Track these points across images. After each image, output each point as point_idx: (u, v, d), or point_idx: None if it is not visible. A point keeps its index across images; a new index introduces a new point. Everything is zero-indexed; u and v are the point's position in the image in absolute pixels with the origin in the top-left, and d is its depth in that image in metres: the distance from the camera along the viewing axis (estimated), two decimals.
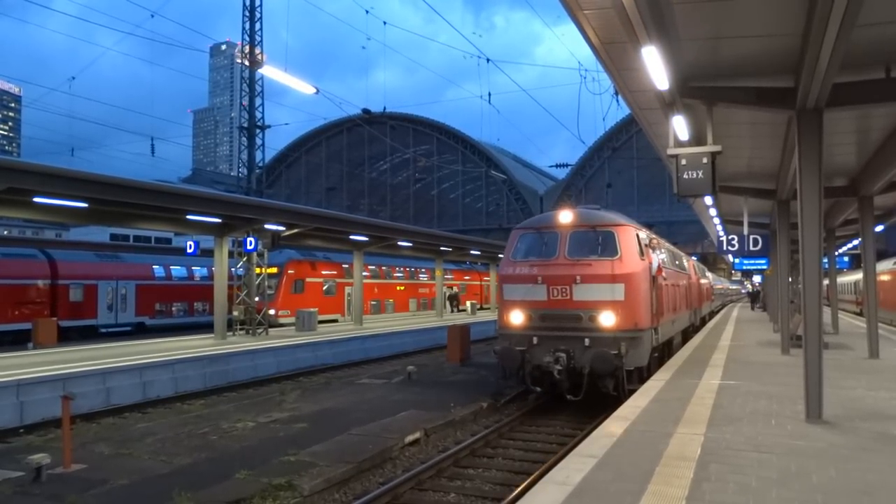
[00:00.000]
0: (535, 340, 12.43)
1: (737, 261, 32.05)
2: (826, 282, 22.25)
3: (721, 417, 8.23)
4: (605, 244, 12.44)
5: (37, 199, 15.67)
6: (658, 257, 13.93)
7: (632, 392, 10.40)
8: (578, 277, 12.18)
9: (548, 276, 12.47)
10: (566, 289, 12.26)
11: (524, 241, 13.40)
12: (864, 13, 5.89)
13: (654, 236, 15.06)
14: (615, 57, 8.23)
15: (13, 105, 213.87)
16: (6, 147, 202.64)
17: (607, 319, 11.95)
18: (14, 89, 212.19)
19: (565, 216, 12.98)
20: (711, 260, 62.77)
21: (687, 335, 20.66)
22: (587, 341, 11.92)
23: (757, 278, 52.38)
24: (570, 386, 12.09)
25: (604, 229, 12.66)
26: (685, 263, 22.36)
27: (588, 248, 12.56)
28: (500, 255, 17.21)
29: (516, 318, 12.76)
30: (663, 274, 14.40)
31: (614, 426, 7.76)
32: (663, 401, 9.42)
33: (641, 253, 12.56)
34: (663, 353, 14.75)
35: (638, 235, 12.84)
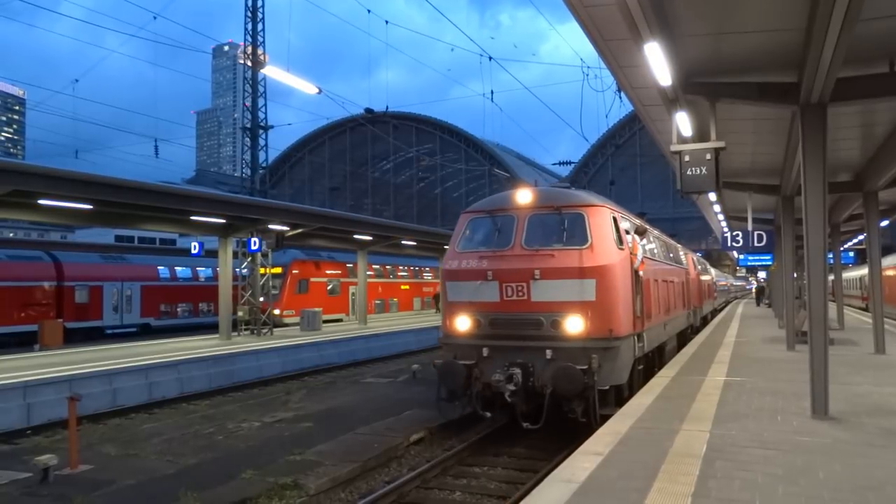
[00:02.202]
0: (485, 352, 10.00)
1: (741, 257, 32.16)
2: (831, 277, 22.19)
3: (726, 414, 8.21)
4: (571, 229, 9.98)
5: (42, 202, 15.74)
6: (644, 247, 11.81)
7: (606, 418, 8.13)
8: (537, 272, 9.70)
9: (500, 271, 9.99)
10: (523, 287, 9.81)
11: (474, 228, 10.96)
12: (867, 7, 5.87)
13: (639, 222, 12.88)
14: (617, 53, 8.22)
15: (17, 108, 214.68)
16: (11, 150, 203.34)
17: (574, 325, 9.54)
18: (18, 92, 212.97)
19: (523, 195, 10.43)
20: (716, 256, 62.65)
21: (685, 338, 18.58)
22: (549, 353, 9.51)
23: (762, 274, 52.21)
24: (529, 410, 9.66)
25: (570, 211, 10.12)
26: (682, 257, 20.08)
27: (551, 235, 10.13)
28: None
29: (462, 324, 10.34)
30: (651, 268, 12.50)
31: (619, 423, 7.75)
32: (668, 397, 9.41)
33: (620, 241, 10.15)
34: (653, 362, 12.72)
35: (615, 219, 10.40)
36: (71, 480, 8.46)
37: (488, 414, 10.03)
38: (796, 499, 5.05)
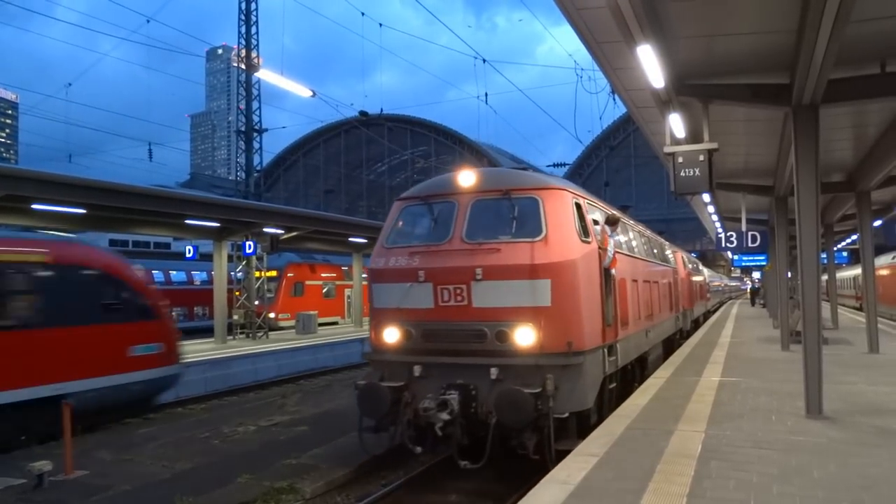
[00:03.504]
0: (416, 371, 8.18)
1: (736, 257, 32.22)
2: (825, 277, 22.28)
3: (722, 414, 8.23)
4: (523, 218, 8.21)
5: (35, 206, 15.69)
6: (618, 241, 10.00)
7: (563, 455, 6.61)
8: (479, 271, 7.87)
9: (434, 271, 8.16)
10: (461, 289, 7.97)
11: (408, 218, 9.20)
12: (858, 8, 5.91)
13: (613, 210, 11.11)
14: (610, 56, 8.25)
15: (10, 112, 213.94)
16: (4, 154, 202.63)
17: (525, 337, 7.73)
18: (11, 96, 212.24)
19: (465, 177, 8.68)
20: (710, 257, 62.80)
21: (672, 345, 16.95)
22: (494, 372, 7.71)
23: (756, 274, 52.39)
24: (471, 444, 7.82)
25: (521, 195, 8.31)
26: (669, 254, 18.34)
27: (497, 225, 8.39)
28: None
29: (390, 335, 8.48)
30: (630, 266, 10.88)
31: (615, 424, 7.77)
32: (664, 398, 9.43)
33: (585, 232, 8.42)
34: (632, 376, 11.10)
35: (578, 205, 8.59)
36: (66, 486, 8.42)
37: (418, 449, 7.96)
38: (791, 498, 5.06)
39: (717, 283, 49.91)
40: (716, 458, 6.24)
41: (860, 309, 28.50)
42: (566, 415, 7.59)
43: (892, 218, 19.41)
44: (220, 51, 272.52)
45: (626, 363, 10.19)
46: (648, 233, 15.55)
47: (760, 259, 26.89)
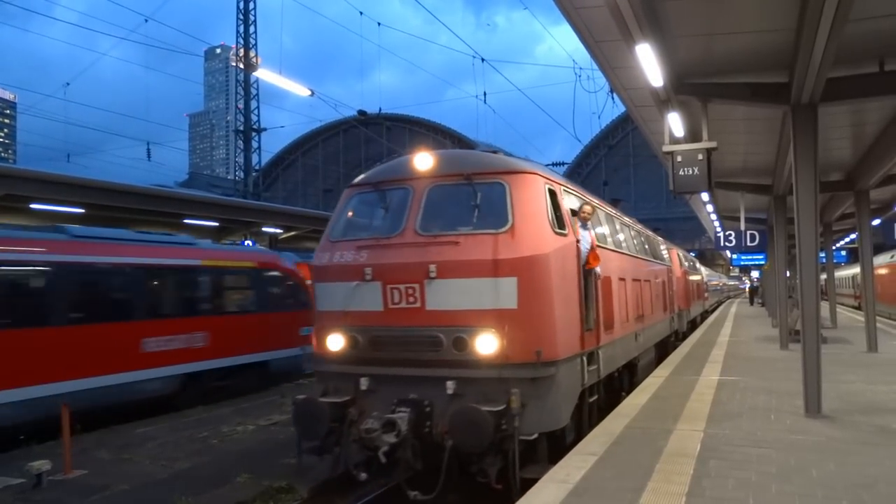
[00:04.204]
0: (363, 384, 7.12)
1: (735, 256, 32.25)
2: (824, 276, 22.32)
3: (720, 413, 8.23)
4: (486, 206, 7.14)
5: (34, 206, 15.67)
6: (599, 234, 9.09)
7: (530, 483, 5.81)
8: (433, 268, 6.82)
9: (382, 267, 7.12)
10: (414, 289, 6.94)
11: (358, 207, 8.19)
12: (856, 7, 5.92)
13: (595, 200, 9.97)
14: (609, 55, 8.26)
15: (8, 112, 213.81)
16: (2, 154, 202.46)
17: (486, 345, 6.63)
18: (9, 96, 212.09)
19: (422, 160, 7.60)
20: (709, 256, 62.86)
21: (665, 349, 15.88)
22: (450, 386, 6.65)
23: (755, 273, 52.46)
24: (426, 469, 6.69)
25: (486, 180, 7.24)
26: (663, 251, 17.29)
27: (457, 215, 7.33)
28: None
29: (334, 342, 7.42)
30: (617, 262, 9.84)
31: (614, 423, 7.77)
32: (662, 397, 9.43)
33: (559, 223, 7.33)
34: (619, 385, 10.20)
35: (552, 192, 7.50)
36: (65, 486, 8.41)
37: (363, 475, 6.94)
38: (790, 497, 5.07)
39: (715, 283, 49.72)
40: (715, 457, 6.24)
41: (859, 308, 28.53)
42: (535, 436, 6.55)
43: (891, 217, 19.44)
44: (218, 50, 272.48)
45: (612, 371, 9.26)
46: (639, 227, 14.45)
47: (759, 258, 26.92)
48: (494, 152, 8.15)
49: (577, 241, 7.62)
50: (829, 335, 16.38)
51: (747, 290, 60.77)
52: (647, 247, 14.18)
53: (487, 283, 6.73)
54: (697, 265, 31.69)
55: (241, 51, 34.95)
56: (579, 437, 7.39)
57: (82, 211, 16.90)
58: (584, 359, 7.63)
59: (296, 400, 7.33)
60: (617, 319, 9.37)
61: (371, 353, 7.22)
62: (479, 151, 8.42)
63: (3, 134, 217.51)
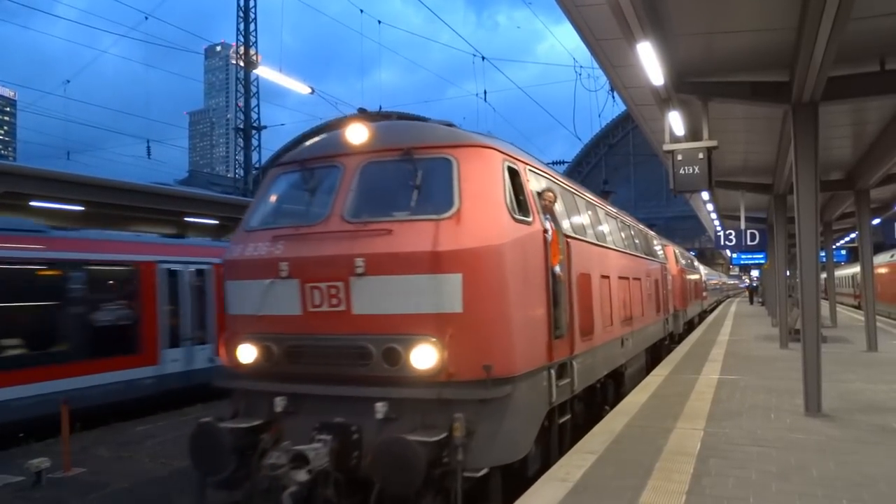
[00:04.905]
0: (278, 406, 5.87)
1: (734, 255, 32.26)
2: (823, 275, 22.32)
3: (720, 412, 8.23)
4: (429, 187, 5.93)
5: (33, 203, 15.66)
6: (572, 223, 7.85)
7: None
8: (360, 262, 5.59)
9: (301, 262, 5.89)
10: (337, 289, 5.72)
11: (282, 190, 6.91)
12: (858, 6, 5.91)
13: (574, 186, 8.92)
14: (610, 53, 8.25)
15: (8, 109, 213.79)
16: (2, 151, 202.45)
17: (424, 358, 5.41)
18: (9, 93, 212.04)
19: (355, 132, 6.23)
20: (709, 255, 62.91)
21: (660, 352, 15.02)
22: (381, 409, 5.44)
23: (755, 272, 52.50)
24: None
25: (429, 155, 6.00)
26: (657, 248, 16.19)
27: (393, 197, 6.12)
28: None
29: (245, 353, 6.17)
30: (597, 258, 8.65)
31: (614, 422, 7.77)
32: (662, 396, 9.43)
33: (521, 208, 6.16)
34: (603, 397, 9.07)
35: (513, 171, 6.28)
36: (64, 484, 8.41)
37: None
38: (790, 496, 5.06)
39: (714, 282, 49.43)
40: (715, 455, 6.23)
41: (858, 307, 28.55)
42: (485, 471, 5.32)
43: (891, 216, 19.45)
44: (218, 48, 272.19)
45: (593, 382, 8.18)
46: (631, 221, 13.30)
47: (759, 257, 26.94)
48: (449, 125, 6.72)
49: (545, 231, 6.37)
50: (828, 334, 16.39)
51: (747, 289, 60.79)
52: (638, 242, 12.99)
53: (425, 282, 5.47)
54: (695, 263, 30.99)
55: (242, 48, 34.92)
56: (545, 465, 6.21)
57: (82, 208, 16.91)
58: (553, 372, 6.39)
59: (202, 423, 5.94)
60: (599, 324, 8.30)
61: (288, 367, 5.97)
62: (425, 123, 7.02)
63: (3, 131, 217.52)
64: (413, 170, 5.92)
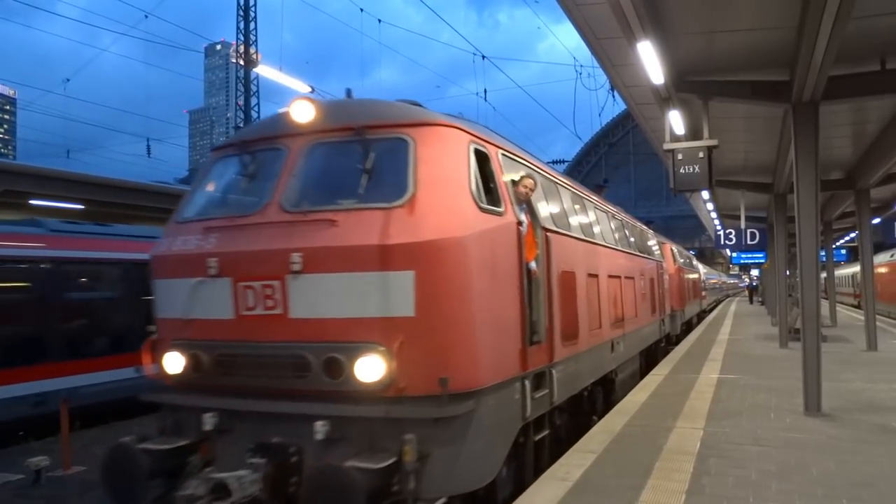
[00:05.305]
0: (207, 423, 5.11)
1: (734, 255, 32.27)
2: (823, 275, 22.32)
3: (720, 411, 8.23)
4: (380, 171, 5.15)
5: (33, 202, 15.66)
6: (552, 214, 7.01)
7: None
8: (297, 258, 4.85)
9: (231, 258, 5.15)
10: (272, 288, 4.98)
11: (220, 176, 6.15)
12: (859, 5, 5.90)
13: (557, 175, 8.14)
14: (610, 52, 8.24)
15: (8, 108, 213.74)
16: (2, 150, 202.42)
17: (370, 369, 4.67)
18: (9, 92, 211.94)
19: (301, 110, 5.39)
20: (709, 254, 62.92)
21: (656, 355, 14.45)
22: (321, 429, 4.68)
23: (755, 272, 52.54)
24: None
25: (383, 135, 5.26)
26: (653, 246, 15.51)
27: (341, 183, 5.38)
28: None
29: (171, 362, 5.42)
30: (582, 256, 7.82)
31: (614, 421, 7.76)
32: (662, 395, 9.43)
33: (490, 197, 5.46)
34: (592, 405, 8.51)
35: (480, 154, 5.56)
36: (63, 482, 8.40)
37: None
38: (789, 496, 5.06)
39: (714, 281, 49.23)
40: (715, 455, 6.23)
41: (858, 307, 28.56)
42: (442, 501, 4.77)
43: (891, 216, 19.45)
44: (218, 47, 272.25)
45: (577, 392, 7.50)
46: (624, 216, 12.55)
47: (759, 256, 26.95)
48: (415, 104, 5.97)
49: (519, 223, 5.68)
50: (828, 334, 16.39)
51: (747, 288, 60.80)
52: (632, 239, 12.31)
53: (372, 280, 4.71)
54: (694, 262, 30.40)
55: (242, 47, 34.90)
56: (521, 487, 5.63)
57: (81, 207, 16.90)
58: (528, 383, 5.67)
59: (118, 443, 5.24)
60: (583, 326, 7.58)
61: (219, 379, 5.22)
62: (382, 100, 6.13)
63: (2, 130, 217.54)
64: (364, 152, 5.14)
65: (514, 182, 5.94)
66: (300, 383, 4.89)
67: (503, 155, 6.07)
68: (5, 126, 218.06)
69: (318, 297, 4.86)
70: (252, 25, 34.87)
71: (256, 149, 5.72)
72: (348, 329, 4.77)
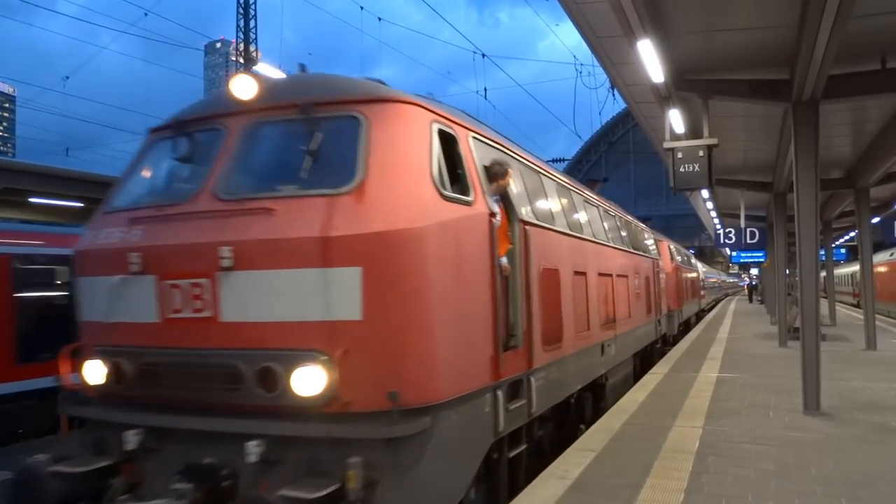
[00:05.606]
0: (130, 442, 4.46)
1: (734, 254, 32.25)
2: (823, 274, 22.33)
3: (719, 410, 8.23)
4: (327, 154, 4.53)
5: (32, 200, 15.66)
6: (536, 207, 6.47)
7: None
8: (227, 252, 4.22)
9: (156, 253, 4.54)
10: (202, 287, 4.36)
11: (155, 160, 5.54)
12: (859, 4, 5.90)
13: (537, 162, 7.41)
14: (610, 51, 8.24)
15: (7, 105, 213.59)
16: (1, 148, 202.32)
17: (310, 381, 4.03)
18: (8, 89, 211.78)
19: (243, 86, 4.82)
20: (709, 253, 62.93)
21: (652, 356, 14.10)
22: (253, 451, 4.02)
23: (754, 271, 52.57)
24: None
25: (333, 113, 4.64)
26: (649, 243, 15.03)
27: (282, 168, 4.88)
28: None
29: (91, 371, 4.79)
30: (567, 252, 7.20)
31: (613, 420, 7.76)
32: (661, 394, 9.43)
33: (457, 183, 4.89)
34: (579, 412, 7.93)
35: (446, 136, 4.93)
36: None
37: None
38: (788, 494, 5.06)
39: (713, 280, 49.04)
40: (713, 453, 6.23)
41: (858, 306, 28.58)
42: None
43: (891, 215, 19.45)
44: (218, 44, 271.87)
45: (561, 400, 6.91)
46: (617, 211, 11.84)
47: (759, 256, 26.94)
48: (380, 83, 5.29)
49: (492, 214, 5.07)
50: (828, 333, 16.39)
51: (746, 287, 60.83)
52: (625, 235, 11.68)
53: (312, 279, 4.13)
54: (693, 260, 29.66)
55: (242, 45, 34.89)
56: None
57: (81, 205, 16.90)
58: (501, 393, 5.06)
59: (34, 462, 4.53)
60: (568, 328, 6.99)
61: (144, 391, 4.62)
62: (335, 75, 5.52)
63: (2, 127, 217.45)
64: (310, 131, 4.51)
65: (486, 168, 5.33)
66: (232, 396, 4.30)
67: (474, 138, 5.42)
68: (4, 124, 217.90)
69: (251, 298, 4.26)
70: (252, 23, 34.87)
71: (194, 129, 5.11)
72: (285, 335, 4.18)
